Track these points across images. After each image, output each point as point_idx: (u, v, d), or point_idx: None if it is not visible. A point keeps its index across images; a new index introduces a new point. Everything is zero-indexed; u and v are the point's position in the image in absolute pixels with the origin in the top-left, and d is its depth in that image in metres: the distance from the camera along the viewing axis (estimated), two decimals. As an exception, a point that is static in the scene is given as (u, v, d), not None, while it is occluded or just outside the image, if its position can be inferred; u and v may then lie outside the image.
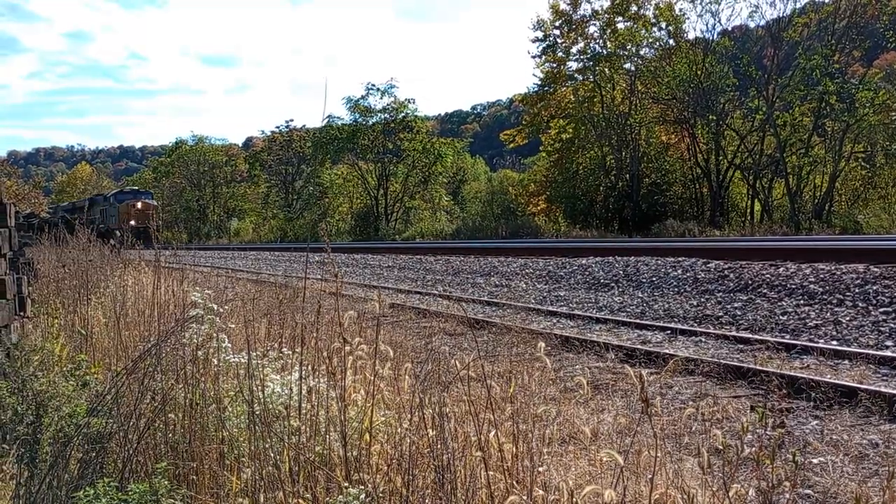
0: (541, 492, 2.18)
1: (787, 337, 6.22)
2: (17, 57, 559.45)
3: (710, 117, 25.04)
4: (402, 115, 38.54)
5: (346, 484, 2.25)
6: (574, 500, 2.13)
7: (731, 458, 2.03)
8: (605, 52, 29.76)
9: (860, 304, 6.84)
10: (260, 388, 2.67)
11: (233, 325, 3.70)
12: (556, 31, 30.91)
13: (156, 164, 64.20)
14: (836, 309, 6.86)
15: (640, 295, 9.13)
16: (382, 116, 38.80)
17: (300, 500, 2.31)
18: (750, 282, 8.40)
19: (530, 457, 2.28)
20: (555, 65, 31.58)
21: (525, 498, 2.09)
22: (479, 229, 29.78)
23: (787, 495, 2.00)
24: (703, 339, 6.28)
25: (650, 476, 2.16)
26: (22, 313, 4.55)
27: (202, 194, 55.64)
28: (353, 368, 2.91)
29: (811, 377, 4.52)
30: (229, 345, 3.26)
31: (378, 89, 38.54)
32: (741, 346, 5.95)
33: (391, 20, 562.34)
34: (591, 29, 30.18)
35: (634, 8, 29.01)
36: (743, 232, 20.51)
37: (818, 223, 19.80)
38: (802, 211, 22.02)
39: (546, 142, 33.82)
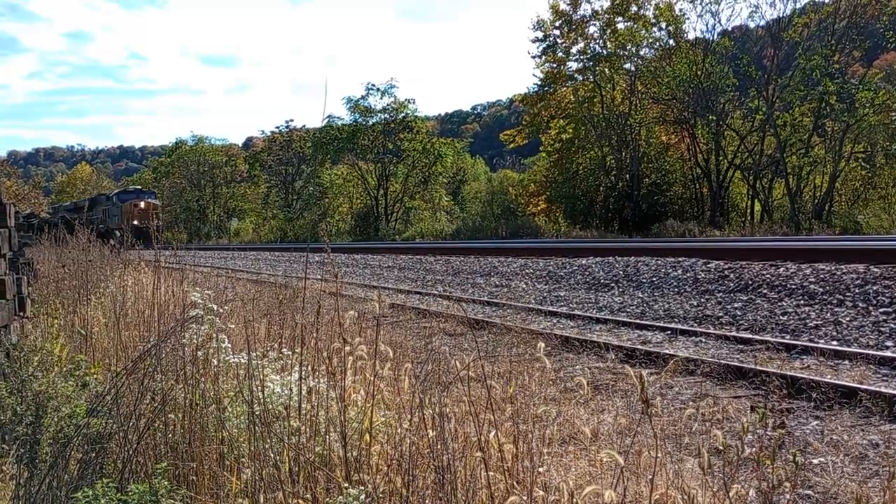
0: (541, 492, 2.18)
1: (788, 337, 6.22)
2: (17, 57, 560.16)
3: (710, 117, 25.04)
4: (403, 115, 38.54)
5: (346, 484, 2.25)
6: (574, 500, 2.13)
7: (731, 459, 2.03)
8: (605, 52, 29.77)
9: (860, 305, 6.84)
10: (260, 388, 2.67)
11: (233, 326, 3.70)
12: (556, 32, 30.93)
13: (156, 165, 64.22)
14: (837, 309, 6.86)
15: (641, 295, 9.13)
16: (382, 116, 38.82)
17: (300, 501, 2.31)
18: (750, 282, 8.40)
19: (530, 457, 2.28)
20: (555, 65, 31.59)
21: (525, 498, 2.08)
22: (479, 229, 29.79)
23: (788, 496, 1.99)
24: (704, 340, 6.28)
25: (650, 476, 2.16)
26: (22, 313, 4.55)
27: (202, 194, 55.64)
28: (353, 369, 2.91)
29: (811, 377, 4.52)
30: (229, 345, 3.26)
31: (378, 89, 38.59)
32: (741, 346, 5.95)
33: (391, 20, 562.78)
34: (591, 29, 30.22)
35: (634, 8, 29.02)
36: (743, 232, 20.51)
37: (818, 223, 19.80)
38: (802, 211, 22.02)
39: (546, 142, 33.83)
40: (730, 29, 26.46)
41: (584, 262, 11.96)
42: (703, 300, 8.23)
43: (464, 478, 2.25)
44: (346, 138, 38.73)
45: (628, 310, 8.36)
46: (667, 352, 5.73)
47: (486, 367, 2.55)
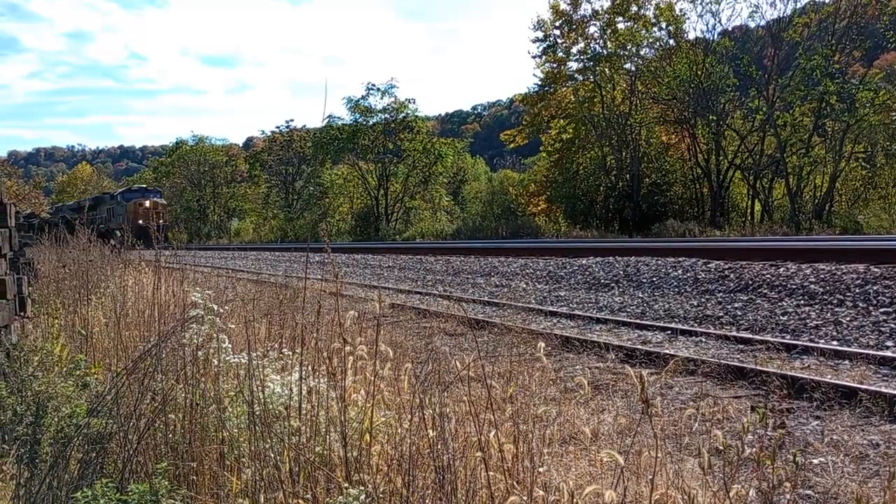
0: (541, 492, 2.18)
1: (788, 337, 6.22)
2: (17, 57, 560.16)
3: (711, 117, 25.04)
4: (403, 115, 38.55)
5: (347, 484, 2.25)
6: (574, 500, 2.13)
7: (731, 459, 2.03)
8: (605, 52, 29.77)
9: (860, 305, 6.83)
10: (260, 388, 2.67)
11: (233, 326, 3.70)
12: (557, 32, 30.93)
13: (156, 164, 64.24)
14: (837, 309, 6.86)
15: (641, 295, 9.13)
16: (383, 116, 38.82)
17: (300, 501, 2.31)
18: (750, 282, 8.40)
19: (531, 457, 2.28)
20: (555, 65, 31.59)
21: (525, 498, 2.09)
22: (480, 229, 29.80)
23: (788, 496, 1.99)
24: (704, 340, 6.28)
25: (651, 476, 2.16)
26: (22, 313, 4.55)
27: (202, 194, 55.64)
28: (354, 369, 2.91)
29: (812, 377, 4.52)
30: (229, 345, 3.26)
31: (378, 89, 38.59)
32: (742, 346, 5.95)
33: (392, 20, 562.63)
34: (592, 29, 30.22)
35: (635, 8, 29.01)
36: (743, 232, 20.51)
37: (818, 223, 19.80)
38: (803, 211, 22.02)
39: (546, 142, 33.83)
40: (730, 29, 26.48)
41: (584, 262, 11.95)
42: (703, 300, 8.23)
43: (464, 478, 2.25)
44: (347, 138, 38.73)
45: (628, 310, 8.36)
46: (667, 352, 5.73)
47: (487, 367, 2.55)
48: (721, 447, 2.07)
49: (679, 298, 8.54)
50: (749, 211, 25.42)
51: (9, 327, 3.84)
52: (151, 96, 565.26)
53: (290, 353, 3.34)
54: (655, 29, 28.78)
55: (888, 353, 5.23)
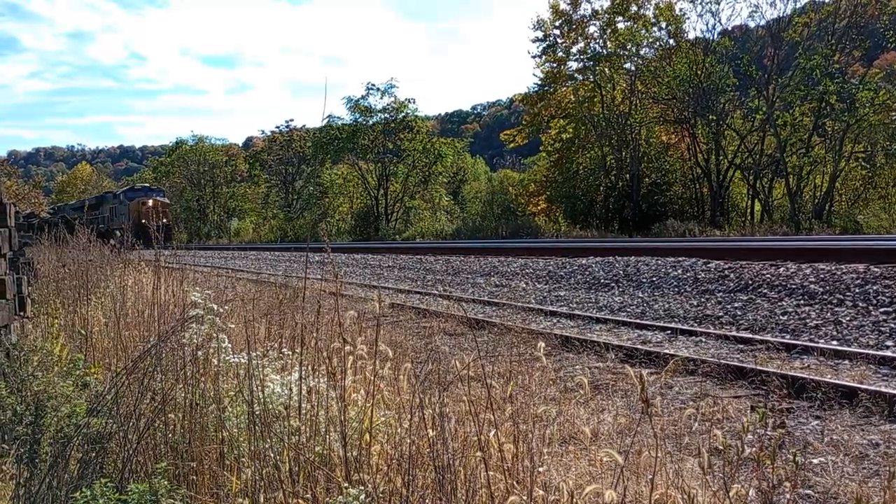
0: (541, 492, 2.18)
1: (788, 337, 6.22)
2: (17, 57, 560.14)
3: (711, 117, 25.04)
4: (403, 115, 38.56)
5: (346, 484, 2.25)
6: (574, 500, 2.13)
7: (731, 459, 2.03)
8: (605, 52, 29.79)
9: (860, 304, 6.84)
10: (260, 388, 2.67)
11: (233, 326, 3.70)
12: (557, 31, 30.96)
13: (156, 164, 64.21)
14: (837, 309, 6.86)
15: (641, 295, 9.13)
16: (383, 116, 38.83)
17: (300, 501, 2.31)
18: (750, 282, 8.40)
19: (530, 457, 2.28)
20: (555, 65, 31.60)
21: (525, 498, 2.08)
22: (480, 229, 29.80)
23: (788, 495, 1.99)
24: (704, 339, 6.28)
25: (650, 476, 2.16)
26: (22, 313, 4.55)
27: (202, 194, 55.64)
28: (353, 368, 2.91)
29: (811, 377, 4.52)
30: (229, 345, 3.26)
31: (378, 89, 38.60)
32: (741, 346, 5.95)
33: (392, 20, 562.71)
34: (591, 29, 30.26)
35: (634, 8, 29.03)
36: (743, 232, 20.51)
37: (818, 223, 19.81)
38: (802, 211, 22.03)
39: (546, 142, 33.85)
40: (730, 29, 26.51)
41: (584, 261, 11.95)
42: (703, 300, 8.23)
43: (464, 477, 2.25)
44: (347, 138, 38.74)
45: (628, 309, 8.36)
46: (667, 351, 5.73)
47: (486, 366, 2.55)
48: (721, 447, 2.06)
49: (679, 298, 8.54)
50: (749, 211, 25.43)
51: (8, 327, 3.84)
52: (151, 96, 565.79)
53: (290, 352, 3.34)
54: (655, 29, 28.81)
55: (888, 353, 5.23)
